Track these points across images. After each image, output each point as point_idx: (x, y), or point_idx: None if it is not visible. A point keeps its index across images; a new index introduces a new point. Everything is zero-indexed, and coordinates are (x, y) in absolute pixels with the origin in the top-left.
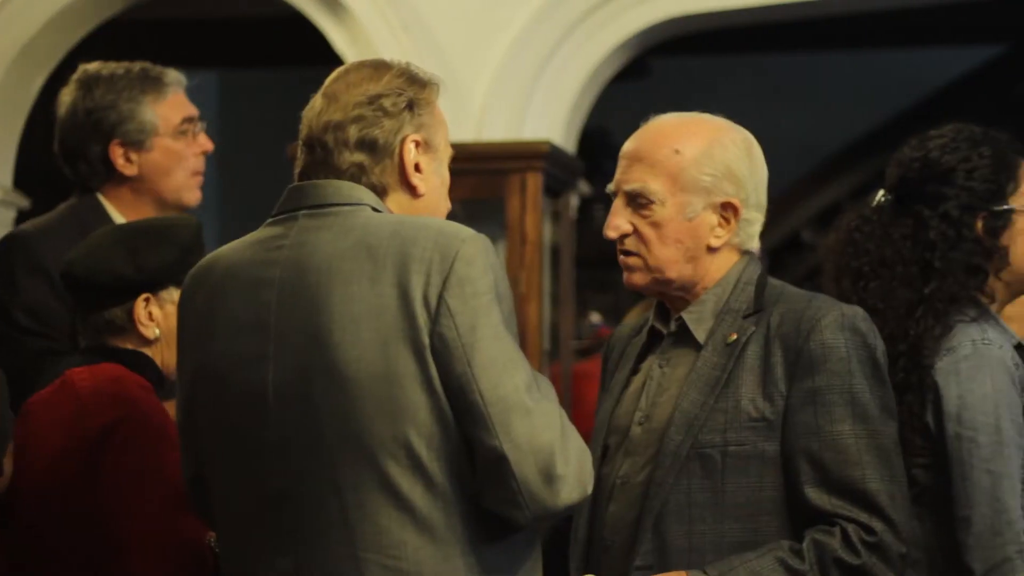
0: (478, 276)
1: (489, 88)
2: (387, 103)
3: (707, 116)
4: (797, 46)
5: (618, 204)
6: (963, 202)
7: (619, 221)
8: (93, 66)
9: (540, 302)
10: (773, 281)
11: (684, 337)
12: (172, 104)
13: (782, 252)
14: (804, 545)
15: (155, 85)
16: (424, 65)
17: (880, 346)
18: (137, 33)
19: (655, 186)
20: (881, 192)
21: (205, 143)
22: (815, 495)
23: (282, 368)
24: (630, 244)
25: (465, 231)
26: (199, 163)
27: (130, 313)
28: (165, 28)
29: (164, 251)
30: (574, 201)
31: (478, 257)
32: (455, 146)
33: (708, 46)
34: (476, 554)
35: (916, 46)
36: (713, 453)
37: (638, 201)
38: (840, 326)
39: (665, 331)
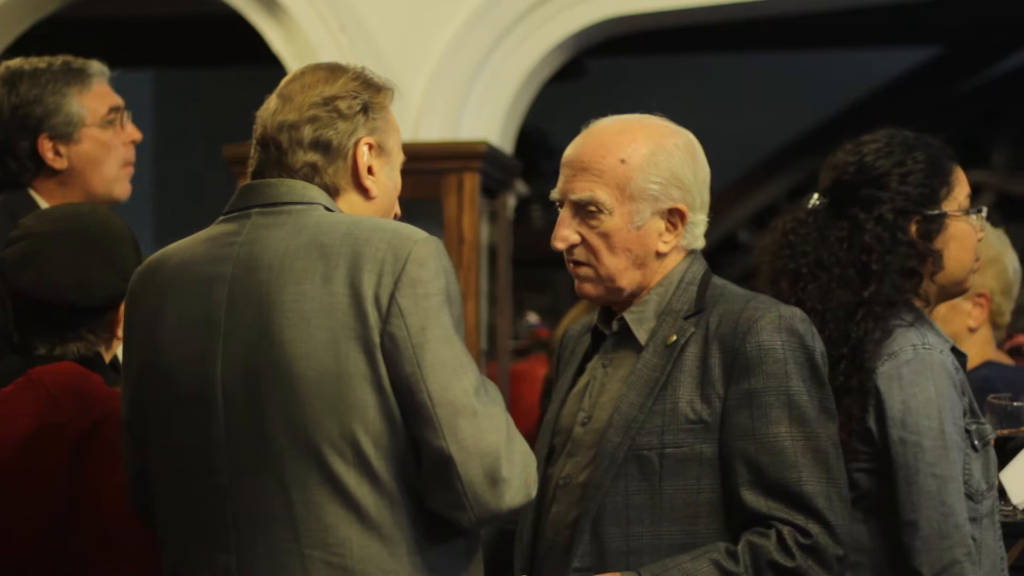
0: (430, 278)
1: (426, 88)
2: (342, 105)
3: (648, 119)
4: (734, 47)
5: (565, 214)
6: (897, 206)
7: (567, 232)
8: (15, 62)
9: (477, 302)
10: (716, 281)
11: (626, 338)
12: (97, 95)
13: (718, 253)
14: (739, 547)
15: (79, 77)
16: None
17: (819, 347)
18: (72, 32)
19: (603, 196)
20: (816, 195)
21: (133, 132)
22: (751, 497)
23: (231, 364)
24: (579, 254)
25: (419, 233)
26: (129, 153)
27: (112, 324)
28: (101, 27)
29: (124, 249)
30: (511, 201)
31: (430, 259)
32: None
33: (645, 47)
34: (421, 554)
35: (852, 47)
36: (650, 455)
37: (586, 211)
38: (777, 327)
39: (608, 332)
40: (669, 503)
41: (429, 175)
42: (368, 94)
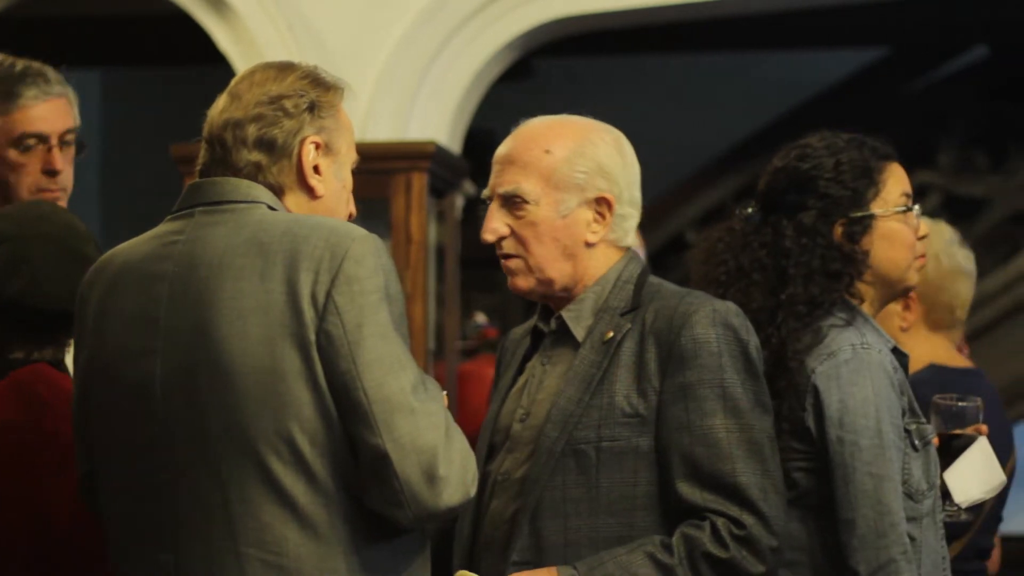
0: (367, 275)
1: (374, 88)
2: (288, 104)
3: (577, 117)
4: (682, 48)
5: (493, 208)
6: (821, 210)
7: (495, 224)
8: None
9: (425, 302)
10: (652, 279)
11: (564, 335)
12: (20, 118)
13: (666, 253)
14: (674, 539)
15: (6, 95)
16: None
17: (753, 341)
18: (18, 31)
19: (528, 186)
20: (748, 205)
21: (53, 161)
22: (687, 490)
23: (169, 362)
24: (508, 246)
25: (357, 231)
26: (44, 181)
27: None
28: (47, 26)
29: (92, 250)
30: (459, 201)
31: (368, 257)
32: None
33: (593, 47)
34: (359, 552)
35: (800, 48)
36: (587, 449)
37: (513, 202)
38: (712, 321)
39: (546, 330)
40: (606, 496)
41: (377, 175)
42: (316, 93)
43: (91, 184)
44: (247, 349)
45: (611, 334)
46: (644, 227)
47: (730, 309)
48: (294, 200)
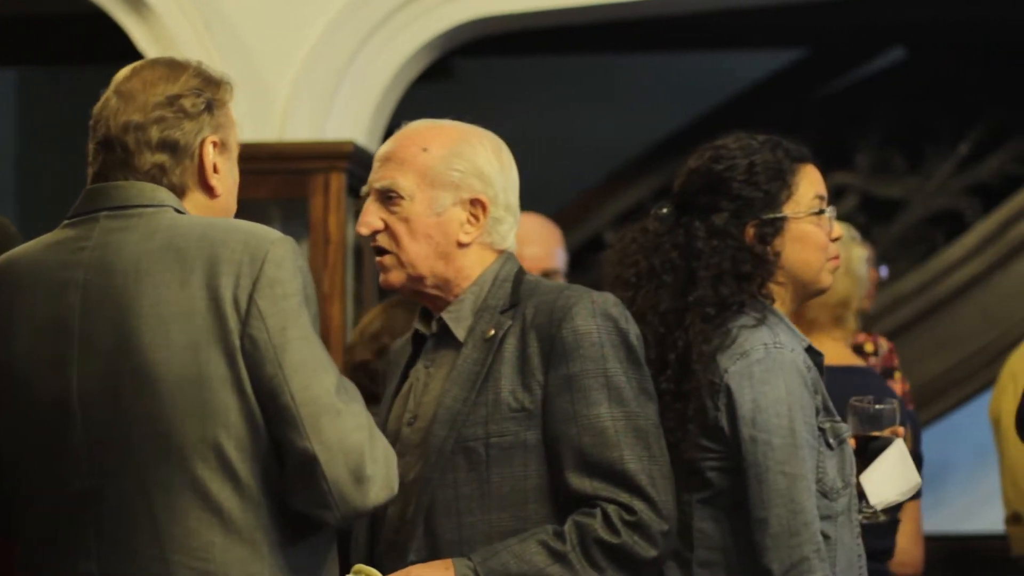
0: (288, 278)
1: (292, 88)
2: (187, 104)
3: (460, 123)
4: (601, 48)
5: (369, 202)
6: (733, 211)
7: (370, 218)
8: None
9: (343, 302)
10: (529, 277)
11: (445, 337)
12: None
13: (584, 253)
14: (566, 527)
15: None
16: (227, 64)
17: (633, 330)
18: None
19: (403, 182)
20: (663, 205)
21: None
22: (576, 479)
23: (87, 371)
24: (382, 241)
25: (274, 234)
26: None
27: None
28: None
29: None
30: None
31: (287, 259)
32: (258, 146)
33: (512, 48)
34: (283, 555)
35: (718, 49)
36: (476, 446)
37: (388, 197)
38: (591, 312)
39: (428, 333)
40: (497, 491)
41: (295, 175)
42: (210, 91)
43: (8, 185)
44: (171, 356)
45: (492, 332)
46: (563, 227)
47: (608, 300)
48: (193, 201)
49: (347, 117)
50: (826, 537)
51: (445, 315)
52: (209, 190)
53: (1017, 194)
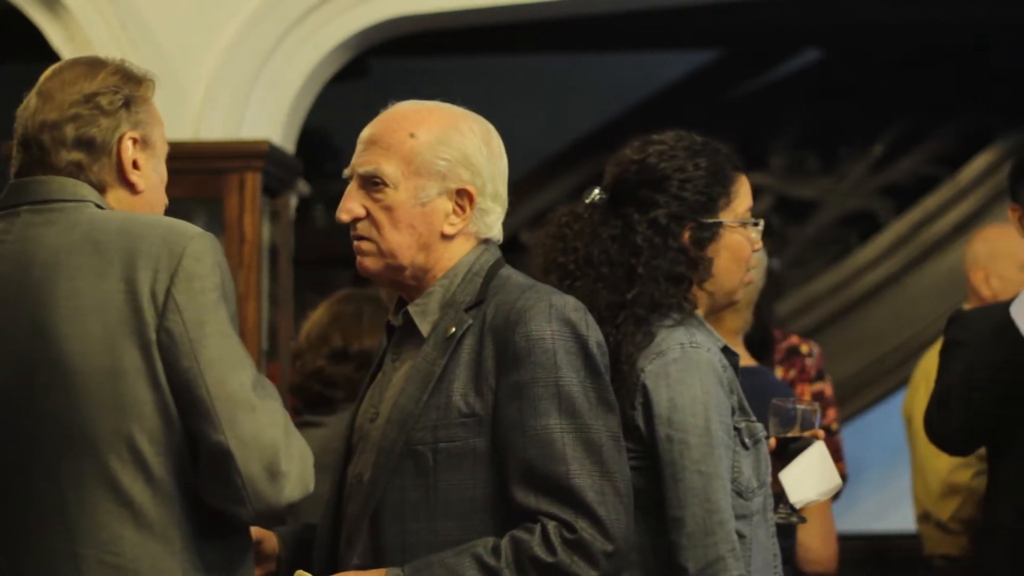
0: (206, 273)
1: (208, 87)
2: (103, 101)
3: (449, 104)
4: (518, 48)
5: (352, 187)
6: (673, 211)
7: (352, 204)
8: None
9: (258, 302)
10: (503, 272)
11: (411, 331)
12: None
13: (501, 252)
14: (503, 543)
15: None
16: (142, 63)
17: (594, 336)
18: None
19: (388, 169)
20: (596, 190)
21: None
22: (520, 493)
23: (3, 362)
24: (362, 228)
25: (193, 229)
26: None
27: None
28: None
29: None
30: (293, 201)
31: (206, 254)
32: (173, 145)
33: (429, 47)
34: (195, 551)
35: (634, 50)
36: (424, 451)
37: (371, 183)
38: (547, 317)
39: (396, 325)
40: (444, 499)
41: (210, 175)
42: (129, 88)
43: None
44: (87, 349)
45: (453, 330)
46: None
47: (568, 304)
48: (115, 197)
49: (262, 117)
50: (741, 536)
51: (411, 308)
52: (130, 186)
53: (930, 195)
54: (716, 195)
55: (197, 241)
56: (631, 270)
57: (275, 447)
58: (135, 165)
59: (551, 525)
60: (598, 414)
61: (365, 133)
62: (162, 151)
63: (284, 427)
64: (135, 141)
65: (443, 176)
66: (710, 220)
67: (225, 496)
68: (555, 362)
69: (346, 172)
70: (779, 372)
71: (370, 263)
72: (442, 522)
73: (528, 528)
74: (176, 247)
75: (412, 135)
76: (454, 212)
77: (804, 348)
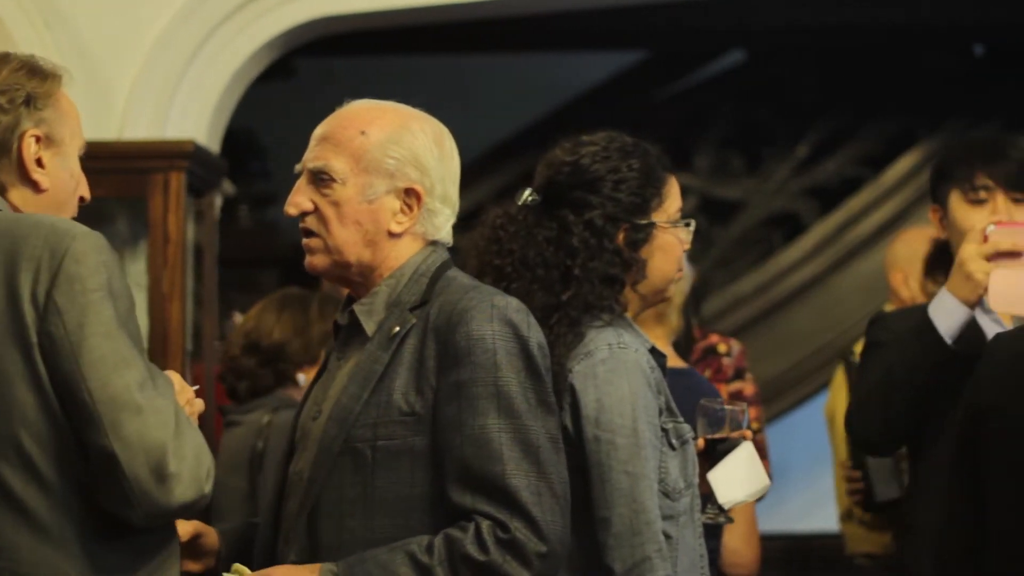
0: (88, 274)
1: (132, 87)
2: (3, 100)
3: (403, 105)
4: (444, 49)
5: (301, 182)
6: (608, 212)
7: (299, 198)
8: None
9: (183, 302)
10: (450, 273)
11: (356, 330)
12: None
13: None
14: (436, 540)
15: None
16: (66, 63)
17: (535, 337)
18: None
19: (337, 164)
20: (528, 191)
21: None
22: (457, 492)
23: None
24: (310, 223)
25: (78, 228)
26: None
27: None
28: None
29: None
30: (218, 201)
31: (89, 254)
32: (98, 144)
33: (355, 47)
34: (96, 554)
35: (560, 50)
36: (363, 448)
37: (320, 179)
38: (489, 317)
39: (342, 323)
40: (382, 497)
41: (134, 174)
42: (32, 84)
43: None
44: None
45: (396, 329)
46: None
47: (511, 305)
48: (19, 196)
49: (187, 116)
50: (668, 537)
51: (357, 307)
52: (33, 184)
53: (854, 197)
54: (649, 196)
55: (80, 241)
56: (566, 272)
57: (162, 448)
58: (39, 163)
59: (485, 524)
60: (537, 415)
61: (318, 130)
62: (73, 147)
63: (174, 427)
64: (38, 139)
65: (391, 175)
66: (644, 221)
67: (113, 499)
68: (495, 362)
69: (297, 167)
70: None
71: (317, 260)
72: (379, 520)
73: (462, 527)
74: (58, 248)
75: (363, 133)
76: (401, 211)
77: (722, 347)
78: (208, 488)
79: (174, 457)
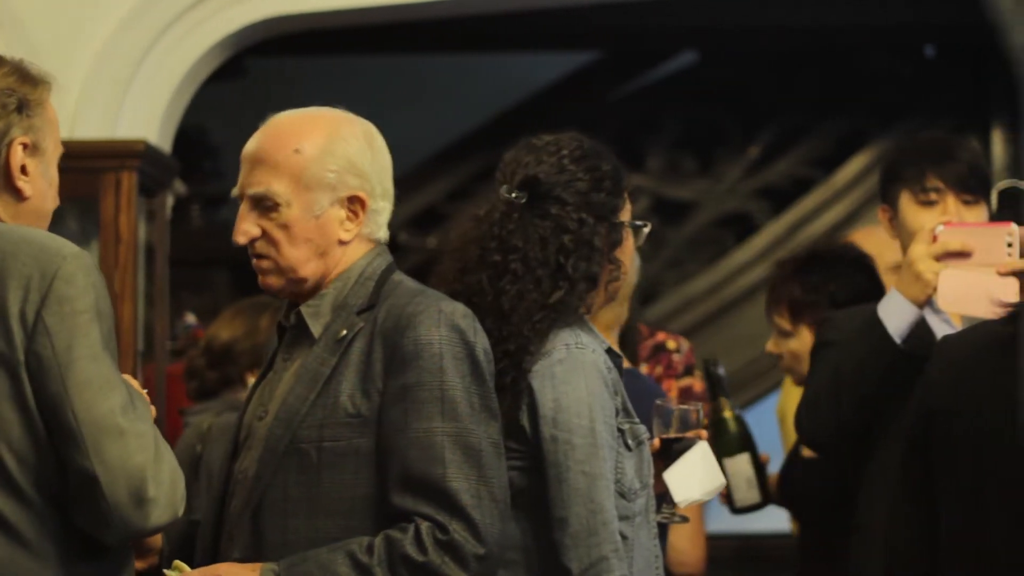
0: (77, 295)
1: (83, 86)
2: None
3: (326, 110)
4: (396, 49)
5: (244, 209)
6: (595, 213)
7: (247, 226)
8: None
9: (134, 302)
10: (396, 276)
11: (303, 332)
12: None
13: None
14: (376, 540)
15: None
16: None
17: (481, 343)
18: None
19: (279, 188)
20: (505, 187)
21: None
22: (398, 493)
23: None
24: (260, 247)
25: (68, 248)
26: None
27: None
28: None
29: None
30: (169, 201)
31: (79, 275)
32: None
33: (306, 47)
34: (72, 566)
35: (513, 51)
36: (309, 448)
37: (264, 204)
38: (436, 322)
39: (287, 325)
40: (326, 497)
41: (86, 174)
42: (25, 90)
43: None
44: None
45: (344, 332)
46: None
47: (457, 310)
48: (0, 203)
49: (139, 116)
50: (624, 537)
51: (304, 309)
52: (16, 192)
53: (806, 197)
54: (619, 197)
55: (70, 262)
56: (559, 271)
57: (142, 474)
58: (23, 171)
59: (424, 525)
60: (480, 420)
61: (249, 150)
62: (54, 156)
63: (154, 452)
64: (25, 146)
65: (333, 187)
66: (617, 221)
67: (91, 520)
68: (441, 367)
69: (234, 192)
70: (645, 369)
71: (272, 281)
72: (323, 520)
73: (403, 528)
74: (48, 268)
75: (297, 151)
76: (348, 219)
77: (671, 344)
78: (181, 511)
79: (153, 482)
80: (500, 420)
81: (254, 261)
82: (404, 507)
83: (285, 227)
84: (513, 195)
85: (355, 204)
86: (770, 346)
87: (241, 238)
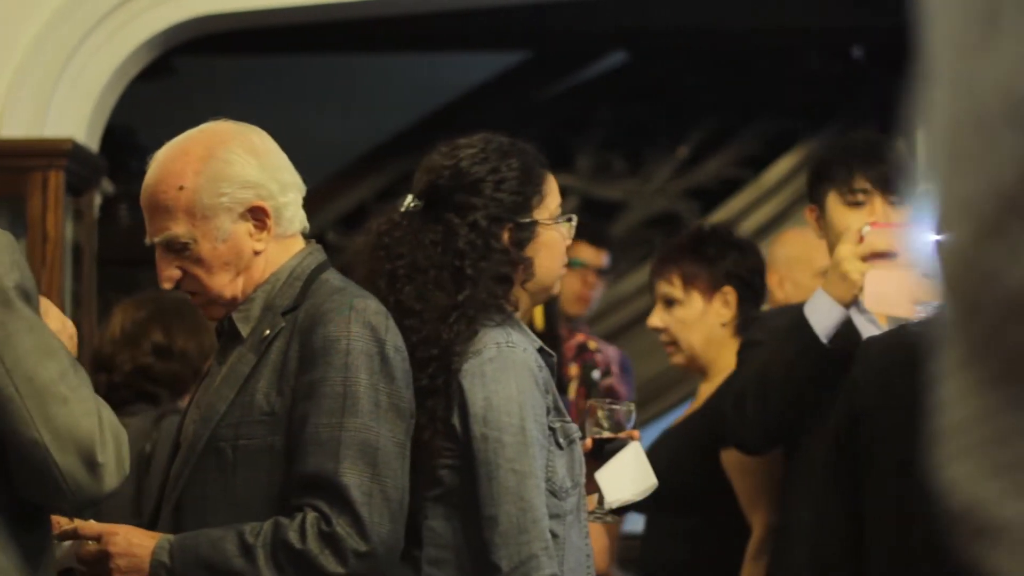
0: (3, 272)
1: (10, 85)
2: None
3: (201, 130)
4: (325, 48)
5: (159, 255)
6: (491, 213)
7: (168, 272)
8: None
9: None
10: (324, 276)
11: (235, 335)
12: None
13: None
14: (266, 525)
15: None
16: None
17: (392, 341)
18: None
19: (179, 229)
20: (410, 197)
21: None
22: (294, 486)
23: None
24: (187, 286)
25: None
26: None
27: None
28: None
29: None
30: (97, 200)
31: (3, 253)
32: None
33: (235, 46)
34: (19, 545)
35: (442, 50)
36: (225, 447)
37: (173, 247)
38: (348, 319)
39: (221, 330)
40: (242, 495)
41: (12, 173)
42: None
43: None
44: None
45: (267, 332)
46: None
47: (369, 308)
48: None
49: (66, 115)
50: (554, 536)
51: (235, 314)
52: None
53: (735, 197)
54: (530, 194)
55: None
56: (459, 272)
57: (91, 438)
58: None
59: (311, 516)
60: (384, 418)
61: (143, 199)
62: None
63: (98, 414)
64: None
65: (229, 208)
66: (527, 220)
67: (44, 491)
68: (346, 363)
69: (147, 241)
70: (573, 369)
71: (212, 311)
72: (240, 518)
73: (293, 515)
74: None
75: (181, 187)
76: (256, 228)
77: (592, 344)
78: (127, 470)
79: (100, 445)
80: (411, 420)
81: (190, 298)
82: (297, 498)
83: (200, 261)
84: (412, 204)
85: (257, 213)
86: (654, 320)
87: (167, 284)
